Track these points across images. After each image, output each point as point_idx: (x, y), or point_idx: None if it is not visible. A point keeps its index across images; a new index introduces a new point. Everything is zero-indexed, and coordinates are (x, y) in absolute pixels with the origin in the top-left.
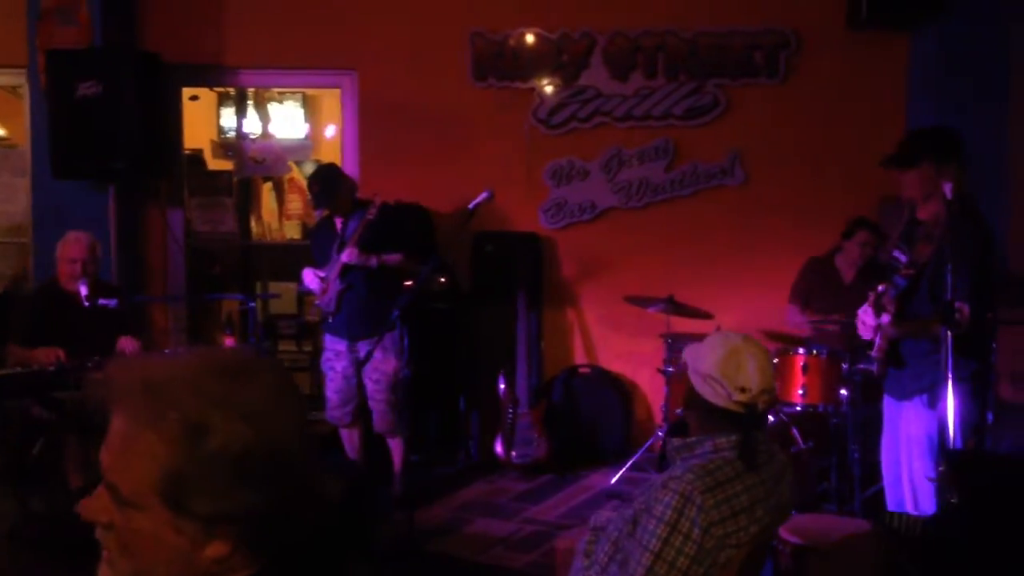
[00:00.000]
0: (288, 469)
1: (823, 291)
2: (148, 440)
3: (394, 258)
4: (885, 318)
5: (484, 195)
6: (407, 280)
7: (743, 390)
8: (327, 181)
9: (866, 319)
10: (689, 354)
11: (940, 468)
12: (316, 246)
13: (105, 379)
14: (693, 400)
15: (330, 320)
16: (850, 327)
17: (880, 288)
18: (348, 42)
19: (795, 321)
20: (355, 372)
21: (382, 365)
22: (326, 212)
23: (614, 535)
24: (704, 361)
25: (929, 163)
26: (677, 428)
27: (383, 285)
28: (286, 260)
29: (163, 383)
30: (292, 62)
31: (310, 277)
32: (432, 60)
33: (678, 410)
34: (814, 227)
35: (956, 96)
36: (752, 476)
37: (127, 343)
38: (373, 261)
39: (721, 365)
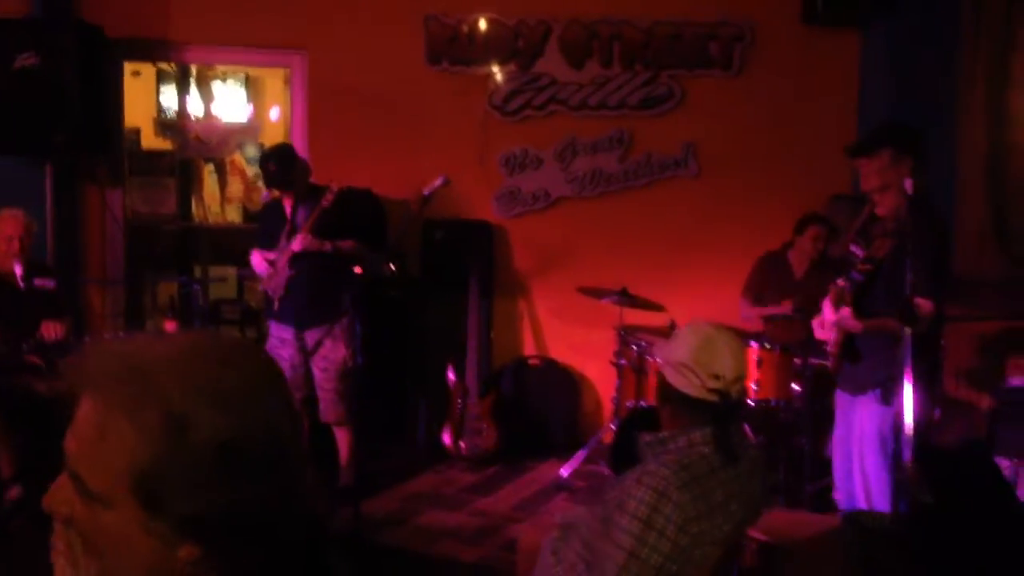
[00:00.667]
0: (276, 465)
1: (775, 286)
2: (123, 429)
3: (347, 244)
4: (845, 311)
5: (440, 181)
6: (356, 267)
7: (717, 377)
8: (284, 160)
9: (825, 316)
10: (661, 347)
11: (907, 464)
12: (264, 230)
13: (78, 360)
14: (666, 392)
15: (276, 307)
16: (801, 316)
17: (839, 283)
18: (299, 20)
19: (747, 315)
20: (302, 361)
21: (331, 353)
22: (276, 194)
23: (584, 533)
24: (677, 350)
25: (888, 152)
26: (634, 422)
27: (334, 272)
28: (227, 243)
29: (143, 367)
30: (241, 39)
31: (258, 260)
32: (385, 42)
33: (628, 403)
34: (767, 220)
35: (906, 93)
36: (728, 471)
37: (50, 328)
38: (327, 247)
39: (695, 353)
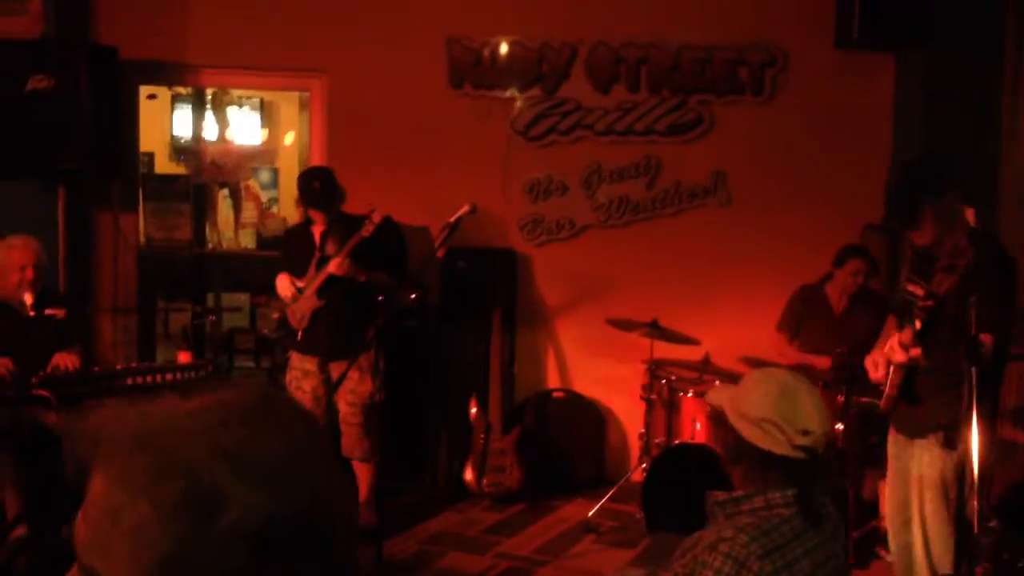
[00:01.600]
0: (322, 551)
1: (813, 321)
2: (141, 510)
3: (380, 276)
4: (915, 351)
5: (467, 208)
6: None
7: (806, 433)
8: (328, 180)
9: (879, 359)
10: (729, 397)
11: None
12: (290, 255)
13: (90, 428)
14: (742, 450)
15: (299, 337)
16: (844, 359)
17: (915, 325)
18: (319, 43)
19: (783, 352)
20: (325, 392)
21: (358, 387)
22: (304, 217)
23: None
24: (755, 403)
25: (931, 208)
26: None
27: (363, 303)
28: (241, 270)
29: (162, 433)
30: (259, 62)
31: (286, 285)
32: (406, 65)
33: (658, 440)
34: (800, 251)
35: (943, 120)
36: (812, 536)
37: (65, 359)
38: (362, 276)
39: (777, 406)
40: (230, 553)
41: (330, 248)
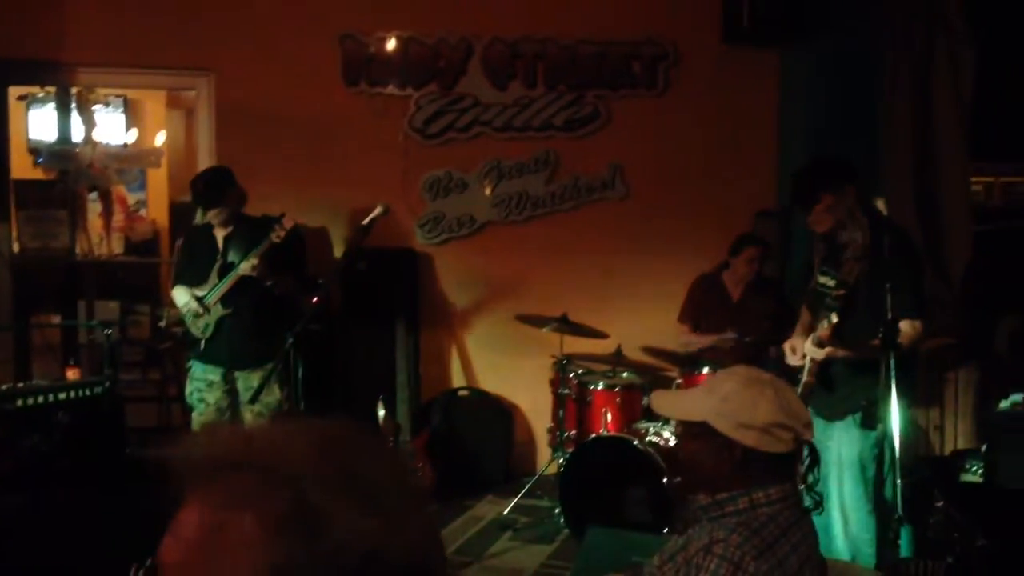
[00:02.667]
0: None
1: (713, 309)
2: (247, 527)
3: (287, 281)
4: (829, 350)
5: (379, 210)
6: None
7: (808, 425)
8: (215, 179)
9: (796, 344)
10: (712, 410)
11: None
12: (189, 261)
13: (183, 452)
14: (748, 460)
15: (202, 347)
16: (745, 340)
17: (831, 319)
18: (204, 40)
19: (686, 341)
20: (230, 404)
21: (266, 396)
22: (203, 220)
23: None
24: (758, 411)
25: (827, 196)
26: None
27: (269, 309)
28: (113, 278)
29: (266, 453)
30: (141, 60)
31: (184, 293)
32: (299, 63)
33: (571, 432)
34: (697, 241)
35: (827, 114)
36: (796, 532)
37: None
38: (270, 282)
39: (781, 407)
40: (339, 573)
41: (233, 254)
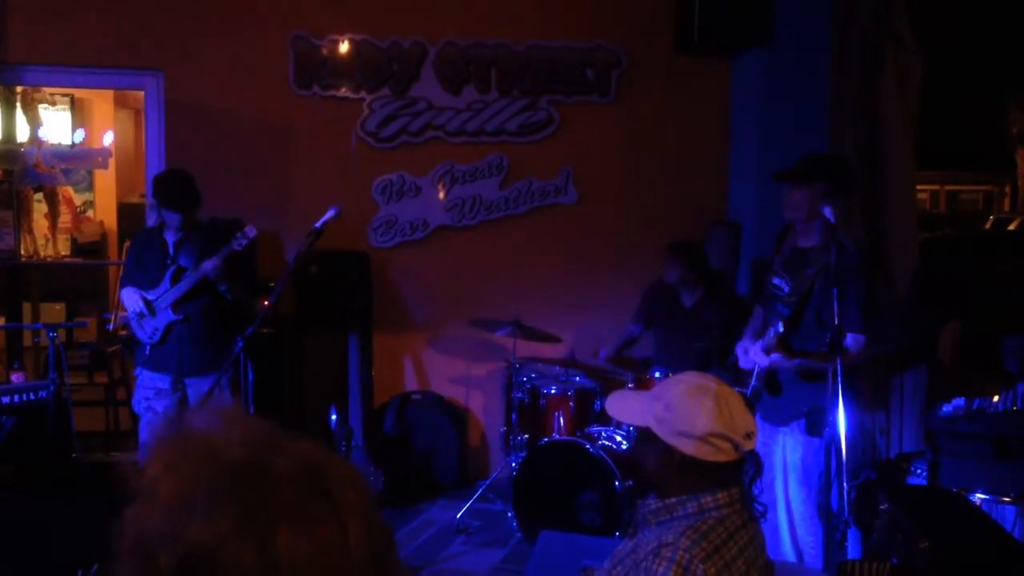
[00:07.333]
0: None
1: (665, 315)
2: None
3: (241, 286)
4: (775, 356)
5: (331, 212)
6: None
7: (749, 436)
8: (188, 182)
9: (749, 346)
10: (653, 416)
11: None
12: (139, 264)
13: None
14: (686, 467)
15: (148, 352)
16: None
17: (778, 329)
18: (153, 40)
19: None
20: (178, 412)
21: (215, 402)
22: (161, 223)
23: None
24: (696, 420)
25: (822, 185)
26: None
27: (220, 315)
28: (58, 280)
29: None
30: (89, 60)
31: (134, 297)
32: (250, 64)
33: (522, 436)
34: (649, 247)
35: (776, 123)
36: (743, 535)
37: None
38: (223, 287)
39: (719, 419)
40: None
41: (185, 257)
